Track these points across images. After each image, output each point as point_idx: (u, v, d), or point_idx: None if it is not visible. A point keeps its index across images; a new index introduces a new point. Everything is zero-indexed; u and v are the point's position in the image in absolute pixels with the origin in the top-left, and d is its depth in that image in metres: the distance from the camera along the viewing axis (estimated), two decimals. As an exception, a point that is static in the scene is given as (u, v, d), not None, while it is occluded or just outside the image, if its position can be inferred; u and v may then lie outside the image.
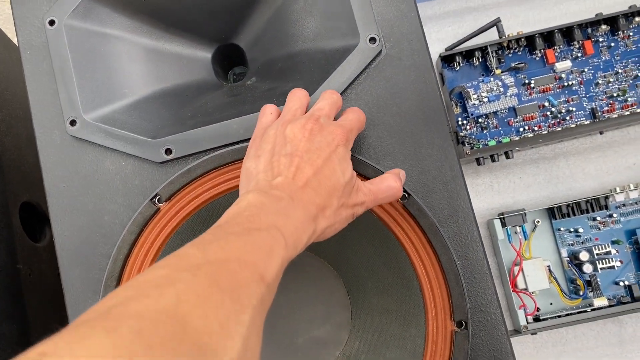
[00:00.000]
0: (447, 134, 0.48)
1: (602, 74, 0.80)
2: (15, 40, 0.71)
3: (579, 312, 0.76)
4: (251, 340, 0.25)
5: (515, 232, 0.79)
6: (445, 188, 0.47)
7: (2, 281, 0.53)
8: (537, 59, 0.81)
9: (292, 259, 0.34)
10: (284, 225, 0.33)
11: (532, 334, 0.77)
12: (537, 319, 0.77)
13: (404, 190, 0.44)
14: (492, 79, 0.80)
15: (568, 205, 0.78)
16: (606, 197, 0.78)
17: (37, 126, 0.50)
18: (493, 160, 0.78)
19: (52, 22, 0.50)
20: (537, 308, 0.77)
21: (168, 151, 0.48)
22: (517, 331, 0.77)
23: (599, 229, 0.79)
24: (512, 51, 0.81)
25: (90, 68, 0.50)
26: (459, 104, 0.81)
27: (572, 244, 0.79)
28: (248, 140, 0.49)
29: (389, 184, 0.43)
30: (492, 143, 0.79)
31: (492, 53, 0.80)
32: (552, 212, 0.79)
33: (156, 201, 0.46)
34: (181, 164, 0.48)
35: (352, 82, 0.48)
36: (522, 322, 0.75)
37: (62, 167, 0.49)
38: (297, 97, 0.45)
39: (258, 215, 0.33)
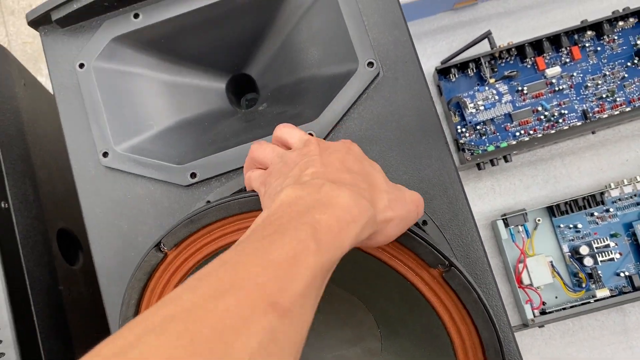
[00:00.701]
0: (443, 145, 0.53)
1: (591, 77, 0.85)
2: (39, 78, 0.77)
3: (582, 304, 0.80)
4: None
5: (518, 232, 0.83)
6: (445, 194, 0.52)
7: (47, 301, 0.59)
8: (528, 66, 0.86)
9: (341, 255, 0.29)
10: (318, 219, 0.28)
11: (539, 326, 0.81)
12: (543, 313, 0.81)
13: (446, 258, 0.39)
14: (486, 87, 0.84)
15: (566, 203, 0.82)
16: (602, 193, 0.82)
17: (73, 159, 0.55)
18: (493, 165, 0.83)
19: (81, 65, 0.56)
20: (543, 302, 0.82)
21: (193, 175, 0.53)
22: (525, 325, 0.81)
23: (597, 223, 0.83)
24: (504, 61, 0.86)
25: (118, 104, 0.56)
26: (457, 113, 0.86)
27: (573, 240, 0.83)
28: (263, 161, 0.54)
29: (412, 195, 0.40)
30: (491, 148, 0.83)
31: (485, 63, 0.85)
32: (552, 210, 0.83)
33: (162, 247, 0.43)
34: (205, 186, 0.53)
35: (354, 103, 0.53)
36: (529, 316, 0.80)
37: (97, 195, 0.55)
38: (286, 128, 0.44)
39: (288, 214, 0.28)
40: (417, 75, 0.54)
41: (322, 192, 0.30)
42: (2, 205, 0.56)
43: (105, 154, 0.54)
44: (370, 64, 0.54)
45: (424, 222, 0.52)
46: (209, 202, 0.53)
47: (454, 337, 0.40)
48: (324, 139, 0.53)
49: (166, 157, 0.54)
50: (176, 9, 0.55)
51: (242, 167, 0.54)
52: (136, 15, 0.56)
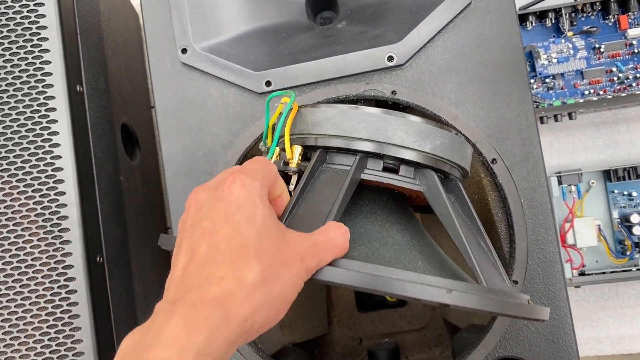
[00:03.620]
0: (525, 85, 0.51)
1: (675, 44, 0.81)
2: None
3: (623, 271, 0.79)
4: None
5: (570, 191, 0.82)
6: (519, 135, 0.51)
7: (110, 188, 0.61)
8: (610, 24, 0.82)
9: None
10: None
11: (575, 287, 0.81)
12: (582, 274, 0.81)
13: None
14: (563, 40, 0.81)
15: (625, 169, 0.81)
16: (664, 164, 0.80)
17: (152, 52, 0.56)
18: (556, 120, 0.81)
19: (169, -42, 0.55)
20: (583, 264, 0.81)
21: (268, 83, 0.53)
22: (561, 283, 0.81)
23: (653, 194, 0.81)
24: (585, 14, 0.82)
25: (200, 2, 0.55)
26: (527, 63, 0.83)
27: (624, 207, 0.82)
28: (340, 78, 0.53)
29: (333, 234, 0.33)
30: (557, 103, 0.81)
31: (565, 15, 0.81)
32: (608, 175, 0.82)
33: None
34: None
35: (440, 30, 0.52)
36: (568, 275, 0.80)
37: (172, 91, 0.55)
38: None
39: None
40: (509, 10, 0.52)
41: (154, 324, 0.27)
42: (78, 89, 0.57)
43: (184, 50, 0.55)
44: (463, -8, 0.52)
45: (494, 160, 0.51)
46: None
47: None
48: (405, 63, 0.52)
49: (243, 62, 0.54)
50: None
51: (317, 81, 0.53)
52: None
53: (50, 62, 0.54)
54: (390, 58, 0.52)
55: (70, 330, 0.53)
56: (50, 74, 0.54)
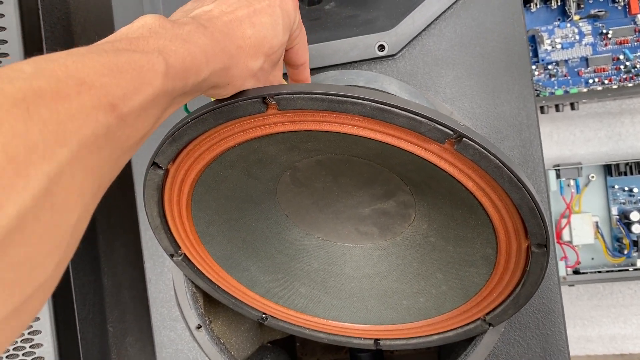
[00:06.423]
0: (529, 81, 0.47)
1: (687, 31, 0.76)
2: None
3: (620, 270, 0.76)
4: (65, 181, 0.20)
5: (568, 185, 0.78)
6: (518, 136, 0.47)
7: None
8: (620, 8, 0.77)
9: (185, 92, 0.28)
10: (174, 50, 0.27)
11: (569, 285, 0.78)
12: (576, 272, 0.78)
13: (452, 129, 0.32)
14: (568, 24, 0.76)
15: (627, 164, 0.77)
16: (668, 160, 0.76)
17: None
18: (557, 110, 0.76)
19: None
20: (579, 261, 0.78)
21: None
22: (555, 281, 0.78)
23: (655, 191, 0.78)
24: (594, -3, 0.77)
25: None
26: (530, 47, 0.78)
27: (624, 203, 0.78)
28: (325, 68, 0.49)
29: None
30: (559, 92, 0.77)
31: (572, -3, 0.76)
32: (609, 169, 0.78)
33: (159, 165, 0.39)
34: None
35: (437, 17, 0.47)
36: (562, 273, 0.76)
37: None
38: None
39: (146, 38, 0.27)
40: (514, -3, 0.47)
41: (183, 30, 0.29)
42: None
43: (154, 32, 0.49)
44: (464, -25, 0.47)
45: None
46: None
47: (482, 199, 0.36)
48: (397, 54, 0.48)
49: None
50: None
51: (301, 70, 0.49)
52: None
53: (6, 42, 0.49)
54: (381, 47, 0.47)
55: (28, 333, 0.49)
56: (6, 55, 0.49)
